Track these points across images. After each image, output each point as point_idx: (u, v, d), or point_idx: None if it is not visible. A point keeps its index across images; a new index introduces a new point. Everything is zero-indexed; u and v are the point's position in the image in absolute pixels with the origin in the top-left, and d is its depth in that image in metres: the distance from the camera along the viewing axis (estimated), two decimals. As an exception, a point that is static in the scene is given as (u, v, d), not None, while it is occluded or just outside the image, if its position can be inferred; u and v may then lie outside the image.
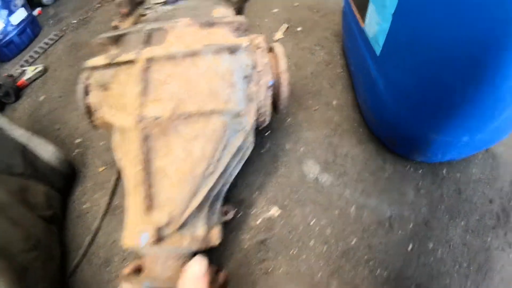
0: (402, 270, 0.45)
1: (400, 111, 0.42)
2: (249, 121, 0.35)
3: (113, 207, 0.49)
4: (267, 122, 0.42)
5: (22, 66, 0.73)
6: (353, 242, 0.44)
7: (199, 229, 0.35)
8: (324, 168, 0.47)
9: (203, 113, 0.31)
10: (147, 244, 0.30)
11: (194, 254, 0.36)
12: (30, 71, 0.69)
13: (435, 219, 0.48)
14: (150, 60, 0.32)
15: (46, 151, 0.48)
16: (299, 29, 0.61)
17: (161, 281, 0.31)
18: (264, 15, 0.69)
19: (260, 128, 0.43)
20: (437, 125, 0.39)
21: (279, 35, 0.62)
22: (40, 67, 0.69)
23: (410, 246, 0.46)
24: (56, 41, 0.77)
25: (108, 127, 0.40)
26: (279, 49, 0.40)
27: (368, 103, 0.49)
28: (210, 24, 0.35)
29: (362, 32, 0.47)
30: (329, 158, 0.48)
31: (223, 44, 0.33)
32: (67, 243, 0.49)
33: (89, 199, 0.50)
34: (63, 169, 0.49)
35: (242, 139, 0.36)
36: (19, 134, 0.50)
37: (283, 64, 0.39)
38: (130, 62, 0.33)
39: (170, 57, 0.32)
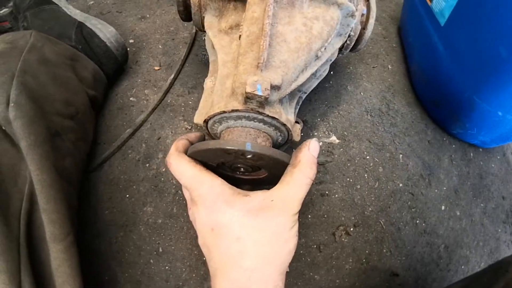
0: (436, 227, 0.46)
1: (455, 72, 0.47)
2: (349, 29, 0.37)
3: (164, 104, 0.45)
4: (349, 49, 0.43)
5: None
6: (400, 185, 0.45)
7: (290, 115, 0.34)
8: (379, 115, 0.50)
9: (326, 0, 0.32)
10: (260, 97, 0.28)
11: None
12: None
13: (462, 190, 0.51)
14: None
15: (105, 30, 0.44)
16: (360, 3, 0.66)
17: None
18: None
19: (342, 54, 0.44)
20: (483, 89, 0.43)
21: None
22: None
23: (443, 207, 0.48)
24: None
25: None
26: None
27: (423, 68, 0.53)
28: None
29: (427, 8, 0.53)
30: (383, 108, 0.51)
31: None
32: (100, 134, 0.43)
33: (136, 94, 0.46)
34: (117, 53, 0.45)
35: (341, 43, 0.37)
36: (76, 13, 0.46)
37: (373, 2, 0.43)
38: None
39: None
